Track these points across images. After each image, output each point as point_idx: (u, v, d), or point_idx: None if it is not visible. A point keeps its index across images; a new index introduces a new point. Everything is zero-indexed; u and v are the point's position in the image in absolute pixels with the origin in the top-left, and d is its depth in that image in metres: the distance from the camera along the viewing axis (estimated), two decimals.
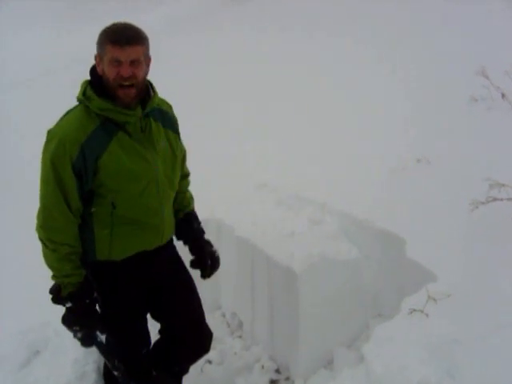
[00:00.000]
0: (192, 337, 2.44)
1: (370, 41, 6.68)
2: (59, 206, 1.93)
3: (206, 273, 2.49)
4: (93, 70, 2.00)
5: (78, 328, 2.06)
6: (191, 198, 2.53)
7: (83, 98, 1.93)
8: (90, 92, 1.93)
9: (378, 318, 3.18)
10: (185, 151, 2.41)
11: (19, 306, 3.17)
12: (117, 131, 1.96)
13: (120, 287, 2.18)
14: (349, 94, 5.35)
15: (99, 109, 1.92)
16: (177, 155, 2.24)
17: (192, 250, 2.47)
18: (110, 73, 1.90)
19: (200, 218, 3.58)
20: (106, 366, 2.41)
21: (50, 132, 1.95)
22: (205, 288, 3.59)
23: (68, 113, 1.99)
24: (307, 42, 7.47)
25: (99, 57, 1.93)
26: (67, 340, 2.81)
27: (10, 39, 12.10)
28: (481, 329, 2.20)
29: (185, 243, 2.49)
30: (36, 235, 2.02)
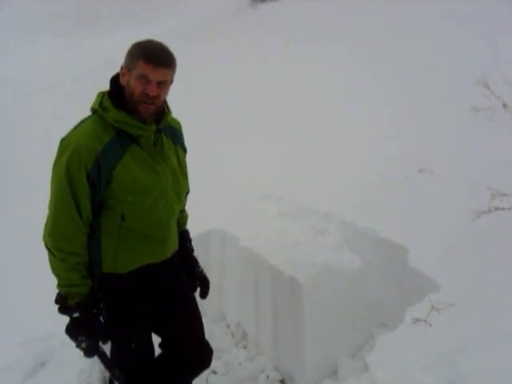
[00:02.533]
0: (191, 354, 2.43)
1: (372, 44, 6.72)
2: (70, 213, 1.93)
3: (200, 295, 2.54)
4: (114, 80, 2.01)
5: (83, 338, 2.04)
6: (187, 216, 2.58)
7: (99, 108, 1.94)
8: (107, 103, 1.94)
9: (381, 327, 3.19)
10: None
11: (25, 317, 3.19)
12: (130, 143, 1.98)
13: (125, 300, 2.18)
14: (349, 104, 5.39)
15: (115, 120, 1.93)
16: (185, 171, 2.30)
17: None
18: (136, 87, 1.92)
19: (204, 228, 3.63)
20: (110, 376, 2.42)
21: (64, 140, 1.94)
22: (209, 299, 3.59)
23: (82, 122, 1.99)
24: (312, 46, 7.53)
25: (127, 69, 1.94)
26: (73, 351, 2.82)
27: (12, 49, 12.19)
28: (484, 338, 2.21)
29: None
30: (43, 244, 2.02)
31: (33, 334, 3.02)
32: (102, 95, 2.00)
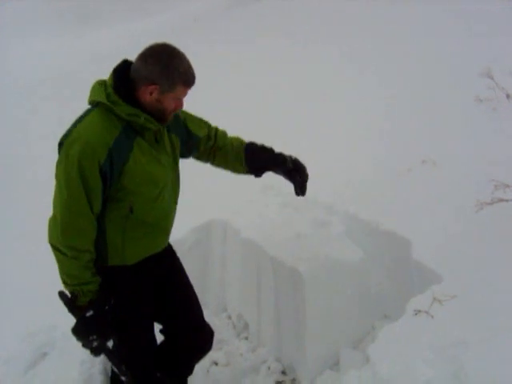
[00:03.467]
0: (194, 336, 2.46)
1: (372, 42, 6.68)
2: (84, 208, 1.89)
3: (301, 185, 2.57)
4: (119, 73, 1.96)
5: (94, 337, 1.99)
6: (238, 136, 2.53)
7: (108, 102, 1.89)
8: (115, 97, 1.90)
9: (383, 319, 3.19)
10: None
11: (26, 308, 3.19)
12: (136, 136, 1.97)
13: (131, 292, 2.17)
14: (351, 95, 5.36)
15: (127, 114, 1.90)
16: (178, 157, 2.26)
17: (283, 171, 2.52)
18: (170, 106, 1.97)
19: (205, 219, 3.61)
20: (113, 369, 2.42)
21: (69, 135, 1.89)
22: (211, 290, 3.62)
23: (86, 116, 1.95)
24: (313, 43, 7.49)
25: (160, 89, 1.91)
26: (74, 342, 2.83)
27: (14, 43, 12.14)
28: (486, 330, 2.20)
29: (268, 169, 2.53)
30: (49, 245, 1.95)
31: (34, 326, 3.02)
32: (103, 88, 1.94)
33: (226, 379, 3.13)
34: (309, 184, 3.78)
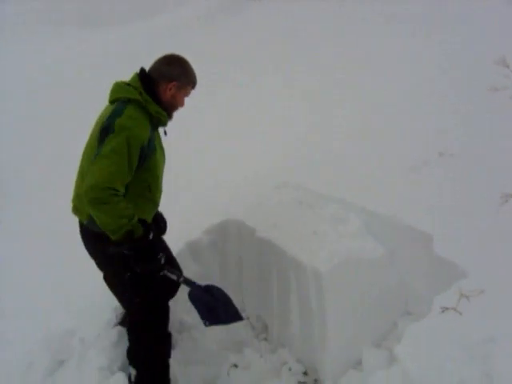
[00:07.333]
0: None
1: (385, 40, 6.60)
2: (123, 174, 2.20)
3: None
4: (145, 77, 2.41)
5: (161, 254, 2.34)
6: None
7: (142, 99, 2.32)
8: (147, 96, 2.36)
9: (406, 316, 3.11)
10: None
11: (44, 315, 3.15)
12: (156, 129, 2.47)
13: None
14: (367, 89, 5.28)
15: (156, 112, 2.38)
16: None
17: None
18: (180, 102, 2.51)
19: (220, 219, 3.56)
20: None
21: (117, 122, 2.20)
22: (228, 291, 3.55)
23: (124, 109, 2.26)
24: (312, 41, 7.43)
25: (177, 87, 2.45)
26: (92, 349, 2.79)
27: (11, 47, 12.09)
28: None
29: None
30: (89, 206, 2.14)
31: (51, 333, 2.98)
32: (132, 88, 2.34)
33: (247, 382, 3.07)
34: (323, 179, 3.73)
